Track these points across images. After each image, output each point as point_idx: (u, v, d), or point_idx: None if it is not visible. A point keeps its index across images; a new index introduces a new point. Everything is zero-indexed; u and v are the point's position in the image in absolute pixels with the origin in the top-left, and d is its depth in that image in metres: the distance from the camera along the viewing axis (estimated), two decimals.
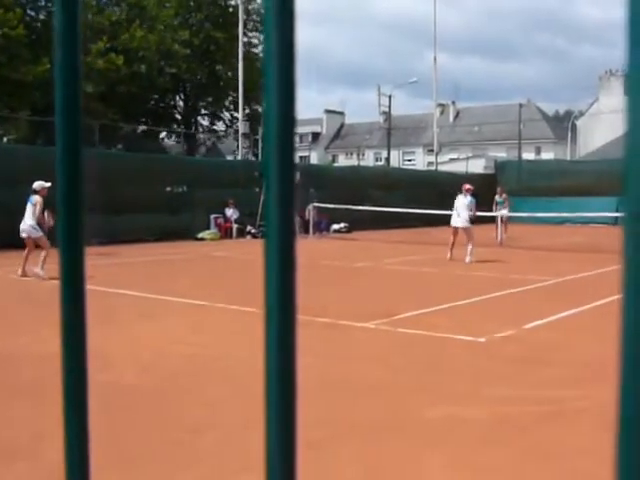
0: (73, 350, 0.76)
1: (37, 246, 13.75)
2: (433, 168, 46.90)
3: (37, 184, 13.91)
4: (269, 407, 0.63)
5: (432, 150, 49.58)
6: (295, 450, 0.64)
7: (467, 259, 17.34)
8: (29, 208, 13.86)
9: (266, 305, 0.61)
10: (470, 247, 17.53)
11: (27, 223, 13.83)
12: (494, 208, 25.74)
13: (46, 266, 13.30)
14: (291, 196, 0.62)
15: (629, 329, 0.55)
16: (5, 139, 37.62)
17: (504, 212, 25.08)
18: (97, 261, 16.12)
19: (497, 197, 26.25)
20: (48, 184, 13.52)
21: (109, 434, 4.59)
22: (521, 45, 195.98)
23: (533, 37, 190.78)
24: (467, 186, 18.59)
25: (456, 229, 18.00)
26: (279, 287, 0.61)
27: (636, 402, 0.54)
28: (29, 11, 36.54)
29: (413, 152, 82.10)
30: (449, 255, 17.83)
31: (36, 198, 13.77)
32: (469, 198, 18.27)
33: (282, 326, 0.62)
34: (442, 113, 74.03)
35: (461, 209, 18.05)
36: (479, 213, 19.96)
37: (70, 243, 0.75)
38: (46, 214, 13.76)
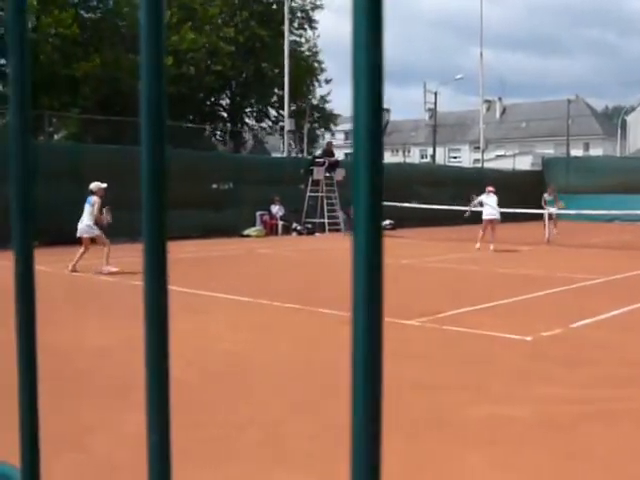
0: (157, 346, 0.79)
1: (92, 241, 14.06)
2: (479, 165, 46.54)
3: (94, 185, 14.23)
4: (356, 402, 0.64)
5: (478, 147, 49.21)
6: (380, 446, 0.66)
7: (492, 247, 19.98)
8: (87, 208, 14.11)
9: (354, 299, 0.63)
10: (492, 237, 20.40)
11: (84, 223, 14.08)
12: (543, 206, 25.55)
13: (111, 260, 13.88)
14: (380, 191, 0.63)
15: None
16: (56, 137, 38.21)
17: (553, 210, 24.90)
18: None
19: (546, 195, 26.03)
20: (104, 185, 14.13)
21: None
22: (567, 40, 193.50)
23: (580, 32, 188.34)
24: (490, 188, 21.49)
25: (492, 221, 20.71)
26: (367, 282, 0.63)
27: None
28: (81, 11, 37.10)
29: (459, 149, 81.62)
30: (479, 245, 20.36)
31: (94, 199, 14.03)
32: (493, 197, 21.04)
33: (370, 320, 0.63)
34: (488, 110, 73.45)
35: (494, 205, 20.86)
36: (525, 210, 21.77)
37: (154, 239, 0.78)
38: (105, 212, 14.05)
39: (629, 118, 69.00)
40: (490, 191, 21.29)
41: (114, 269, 13.77)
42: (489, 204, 20.88)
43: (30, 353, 0.88)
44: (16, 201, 0.86)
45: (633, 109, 70.98)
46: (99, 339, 8.06)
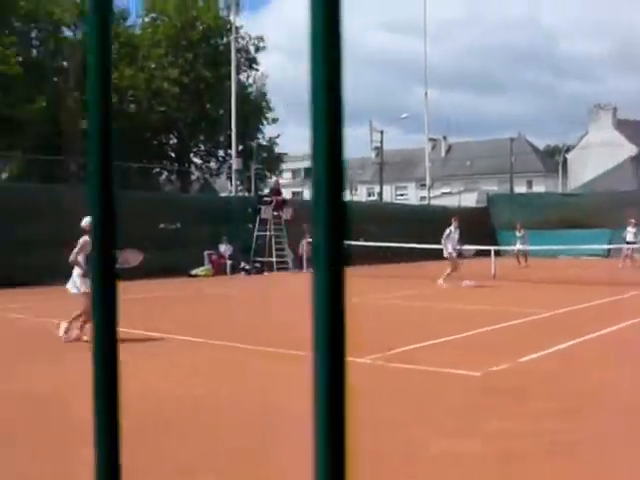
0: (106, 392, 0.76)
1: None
2: (426, 202, 47.06)
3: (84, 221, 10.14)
4: (318, 441, 0.62)
5: (424, 185, 49.76)
6: None
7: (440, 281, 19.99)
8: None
9: (315, 338, 0.60)
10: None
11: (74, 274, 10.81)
12: (513, 242, 27.73)
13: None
14: (342, 230, 0.61)
15: None
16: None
17: (520, 247, 26.77)
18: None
19: (517, 232, 28.04)
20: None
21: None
22: (507, 80, 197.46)
23: (519, 72, 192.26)
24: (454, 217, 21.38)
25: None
26: (328, 320, 0.61)
27: None
28: (23, 49, 36.86)
29: (406, 187, 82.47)
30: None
31: (82, 239, 10.53)
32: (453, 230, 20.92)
33: (332, 360, 0.61)
34: (434, 148, 74.49)
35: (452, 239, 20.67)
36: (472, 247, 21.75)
37: (104, 279, 0.75)
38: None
39: (569, 156, 70.56)
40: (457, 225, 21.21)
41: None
42: (456, 238, 20.81)
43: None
44: None
45: (572, 147, 72.65)
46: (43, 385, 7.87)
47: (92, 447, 0.82)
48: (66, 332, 10.45)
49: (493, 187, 64.06)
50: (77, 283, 10.51)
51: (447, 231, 20.91)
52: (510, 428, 5.98)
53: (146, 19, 45.57)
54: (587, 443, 5.52)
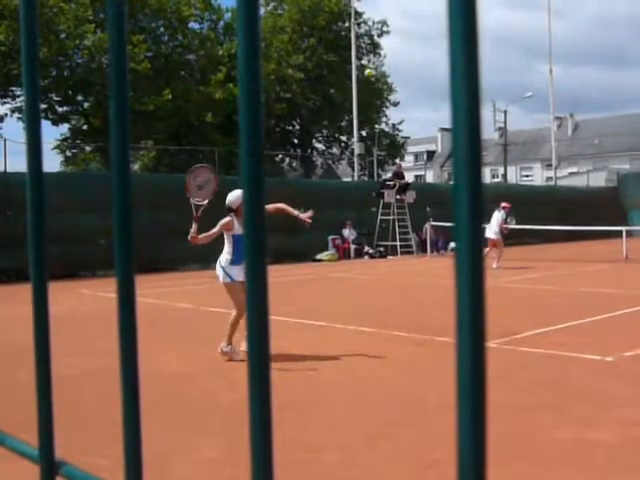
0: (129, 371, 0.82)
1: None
2: (552, 183, 45.86)
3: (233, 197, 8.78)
4: (462, 423, 0.66)
5: (550, 165, 48.47)
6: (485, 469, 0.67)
7: (494, 265, 19.91)
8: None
9: (457, 319, 0.64)
10: (498, 255, 20.33)
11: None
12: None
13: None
14: (480, 210, 0.64)
15: None
16: (132, 167, 39.40)
17: None
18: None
19: None
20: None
21: (231, 450, 4.71)
22: (636, 52, 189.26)
23: None
24: (503, 204, 20.93)
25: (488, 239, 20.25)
26: (471, 302, 0.64)
27: None
28: (151, 45, 38.15)
29: (531, 167, 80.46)
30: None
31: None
32: (501, 213, 20.70)
33: (474, 342, 0.65)
34: (560, 126, 72.36)
35: (493, 223, 20.49)
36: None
37: (124, 265, 0.81)
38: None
39: None
40: (503, 207, 20.91)
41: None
42: (491, 222, 20.57)
43: (132, 379, 0.93)
44: (117, 232, 0.92)
45: None
46: (177, 365, 8.19)
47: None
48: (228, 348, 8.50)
49: (624, 165, 61.64)
50: (228, 270, 8.57)
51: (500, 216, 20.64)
52: None
53: (268, 7, 46.27)
54: None
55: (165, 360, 8.43)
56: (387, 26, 47.68)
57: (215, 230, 8.55)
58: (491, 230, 20.23)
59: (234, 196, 8.65)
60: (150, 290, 15.46)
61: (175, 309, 13.27)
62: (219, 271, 8.61)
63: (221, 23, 42.13)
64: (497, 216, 20.49)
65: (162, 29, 39.66)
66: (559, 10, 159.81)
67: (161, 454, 5.10)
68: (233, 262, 8.52)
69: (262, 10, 46.04)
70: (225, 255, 8.62)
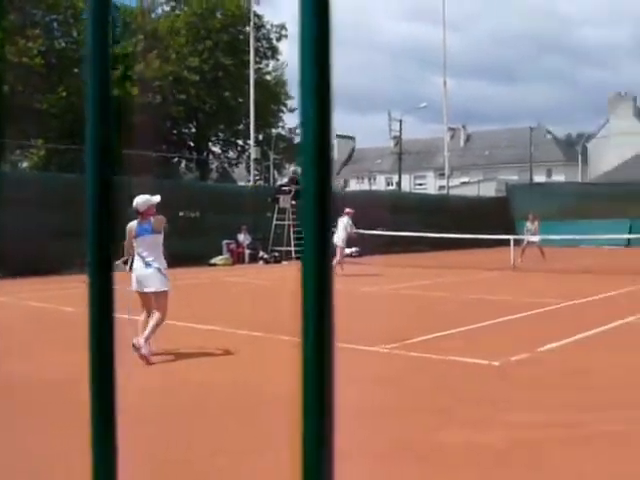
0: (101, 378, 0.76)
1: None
2: (444, 192, 46.93)
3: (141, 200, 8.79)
4: (306, 429, 0.62)
5: (443, 174, 49.60)
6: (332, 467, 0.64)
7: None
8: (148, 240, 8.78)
9: (303, 326, 0.61)
10: (335, 261, 19.55)
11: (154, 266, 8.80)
12: (525, 232, 26.36)
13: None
14: (328, 216, 0.61)
15: None
16: (21, 166, 38.03)
17: (535, 238, 25.62)
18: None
19: (528, 223, 26.71)
20: (156, 198, 8.90)
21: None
22: (527, 69, 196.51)
23: (538, 61, 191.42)
24: (347, 210, 20.99)
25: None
26: (315, 309, 0.61)
27: None
28: (45, 40, 37.04)
29: (424, 176, 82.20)
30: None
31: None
32: (346, 219, 20.81)
33: (319, 349, 0.61)
34: (453, 137, 74.22)
35: (339, 229, 20.53)
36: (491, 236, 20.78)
37: (100, 269, 0.75)
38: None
39: (590, 145, 70.08)
40: (347, 213, 21.05)
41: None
42: (337, 228, 20.57)
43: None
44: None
45: (593, 136, 72.10)
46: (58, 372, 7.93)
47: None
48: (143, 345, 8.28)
49: (512, 176, 63.70)
50: (160, 279, 8.57)
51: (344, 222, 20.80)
52: (528, 419, 5.96)
53: (166, 8, 45.65)
54: (605, 436, 5.49)
55: (49, 363, 8.15)
56: (286, 30, 47.64)
57: (128, 239, 8.60)
58: (338, 237, 20.41)
59: (142, 199, 8.63)
60: (35, 293, 14.96)
61: (62, 312, 12.87)
62: (160, 276, 8.53)
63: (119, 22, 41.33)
64: (343, 223, 20.69)
65: (56, 24, 38.58)
66: (455, 24, 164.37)
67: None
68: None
69: (159, 10, 45.47)
70: (159, 260, 8.60)
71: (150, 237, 8.55)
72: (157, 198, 8.82)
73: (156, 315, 8.43)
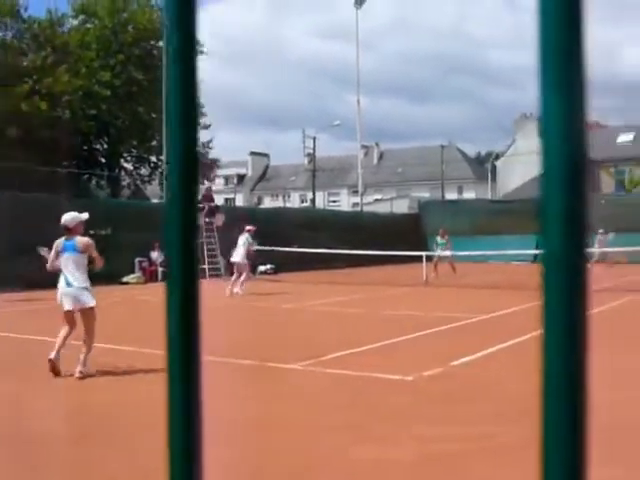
0: None
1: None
2: (358, 209, 47.38)
3: (70, 217, 9.05)
4: (172, 445, 0.61)
5: (357, 191, 50.11)
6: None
7: (236, 289, 19.71)
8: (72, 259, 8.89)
9: (168, 344, 0.60)
10: (242, 279, 20.03)
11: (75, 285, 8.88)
12: (434, 248, 26.75)
13: None
14: (193, 239, 0.61)
15: (549, 363, 0.56)
16: None
17: (446, 253, 26.05)
18: (18, 307, 15.76)
19: (439, 238, 27.16)
20: (84, 215, 9.16)
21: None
22: (438, 89, 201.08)
23: (449, 81, 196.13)
24: (248, 227, 21.08)
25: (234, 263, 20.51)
26: (180, 326, 0.60)
27: (556, 436, 0.55)
28: None
29: (338, 193, 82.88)
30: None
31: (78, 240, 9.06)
32: (246, 236, 20.65)
33: (185, 365, 0.61)
34: (366, 155, 75.11)
35: (239, 246, 20.47)
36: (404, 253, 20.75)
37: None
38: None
39: (498, 163, 71.90)
40: (248, 230, 21.05)
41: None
42: (238, 245, 20.64)
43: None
44: None
45: (502, 155, 74.05)
46: None
47: None
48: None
49: (424, 194, 64.83)
50: (82, 296, 8.76)
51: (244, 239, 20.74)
52: (440, 433, 6.04)
53: (75, 22, 44.78)
54: (514, 448, 5.60)
55: None
56: (202, 46, 47.40)
57: (54, 253, 8.94)
58: (238, 254, 20.36)
59: (70, 216, 8.95)
60: None
61: None
62: (82, 293, 8.73)
63: (27, 34, 40.36)
64: (243, 239, 20.62)
65: None
66: (367, 43, 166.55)
67: None
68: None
69: (70, 23, 44.55)
70: (81, 278, 8.82)
71: (74, 256, 8.76)
72: (85, 215, 9.08)
73: (86, 344, 8.64)
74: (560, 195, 0.57)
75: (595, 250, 27.68)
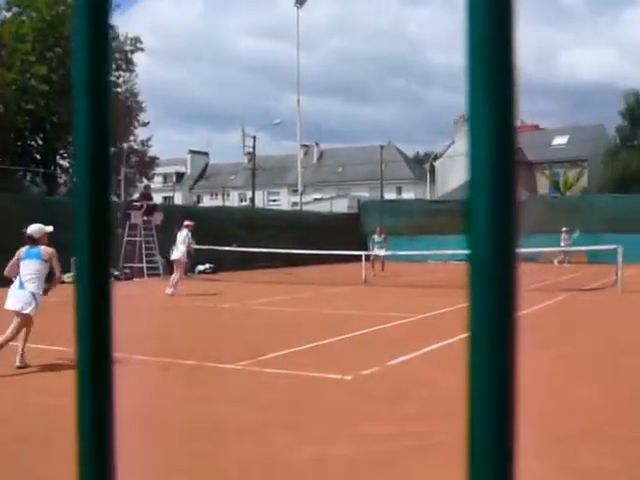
0: None
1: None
2: (298, 208, 47.40)
3: (36, 229, 9.67)
4: (82, 448, 0.60)
5: (296, 190, 50.14)
6: None
7: (169, 290, 18.91)
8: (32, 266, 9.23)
9: (78, 347, 0.59)
10: (176, 278, 19.24)
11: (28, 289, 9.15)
12: (371, 247, 26.82)
13: None
14: (106, 238, 0.59)
15: (475, 362, 0.56)
16: None
17: (382, 252, 26.15)
18: None
19: (376, 237, 27.26)
20: (49, 228, 9.83)
21: None
22: (377, 89, 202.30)
23: (387, 82, 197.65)
24: (187, 222, 20.30)
25: (174, 261, 19.87)
26: (90, 322, 0.59)
27: (481, 435, 0.55)
28: None
29: (278, 192, 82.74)
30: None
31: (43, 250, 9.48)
32: (185, 232, 19.94)
33: (94, 364, 0.60)
34: (306, 154, 75.16)
35: (178, 243, 19.80)
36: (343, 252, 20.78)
37: None
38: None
39: (437, 164, 72.67)
40: (186, 226, 20.21)
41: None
42: (177, 242, 19.92)
43: None
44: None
45: (441, 155, 74.86)
46: None
47: None
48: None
49: (364, 193, 65.16)
50: (29, 302, 8.94)
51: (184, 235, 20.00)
52: (379, 431, 6.08)
53: (8, 14, 43.77)
54: (448, 446, 5.67)
55: None
56: (141, 43, 46.84)
57: (15, 259, 9.21)
58: (177, 252, 19.68)
59: (37, 227, 9.52)
60: None
61: None
62: (30, 299, 8.95)
63: None
64: (182, 236, 19.88)
65: None
66: (305, 43, 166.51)
67: None
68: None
69: (2, 15, 43.56)
70: (37, 285, 9.11)
71: (36, 262, 9.11)
72: (50, 228, 9.72)
73: (7, 332, 8.83)
74: (486, 197, 0.57)
75: (561, 248, 28.10)
